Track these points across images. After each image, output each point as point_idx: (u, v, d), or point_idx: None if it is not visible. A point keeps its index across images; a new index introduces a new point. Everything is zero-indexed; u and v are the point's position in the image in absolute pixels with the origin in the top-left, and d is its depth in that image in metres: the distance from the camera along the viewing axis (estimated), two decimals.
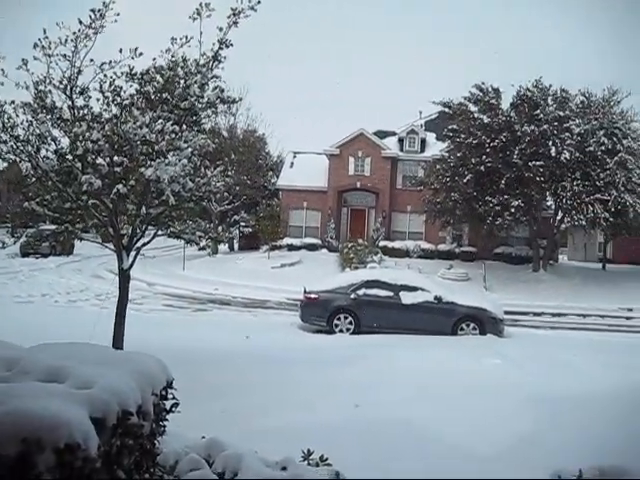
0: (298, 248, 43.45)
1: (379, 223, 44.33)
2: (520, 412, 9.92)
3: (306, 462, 4.62)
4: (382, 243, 42.48)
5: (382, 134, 47.55)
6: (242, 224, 49.75)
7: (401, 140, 46.63)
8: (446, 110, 39.18)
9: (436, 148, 42.76)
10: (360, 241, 39.02)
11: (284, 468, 4.40)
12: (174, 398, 4.14)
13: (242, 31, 12.24)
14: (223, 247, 48.68)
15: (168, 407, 4.12)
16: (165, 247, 43.61)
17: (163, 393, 3.99)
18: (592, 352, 17.02)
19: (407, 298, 19.63)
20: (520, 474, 6.44)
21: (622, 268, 42.26)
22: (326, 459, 4.59)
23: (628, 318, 26.16)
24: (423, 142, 46.35)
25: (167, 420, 4.12)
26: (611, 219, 34.71)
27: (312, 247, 43.69)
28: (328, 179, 45.63)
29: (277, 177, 49.84)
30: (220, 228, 16.41)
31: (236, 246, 51.12)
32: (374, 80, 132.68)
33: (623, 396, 11.16)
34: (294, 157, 49.72)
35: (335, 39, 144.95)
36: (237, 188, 45.71)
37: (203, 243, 14.07)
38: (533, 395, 10.98)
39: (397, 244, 42.77)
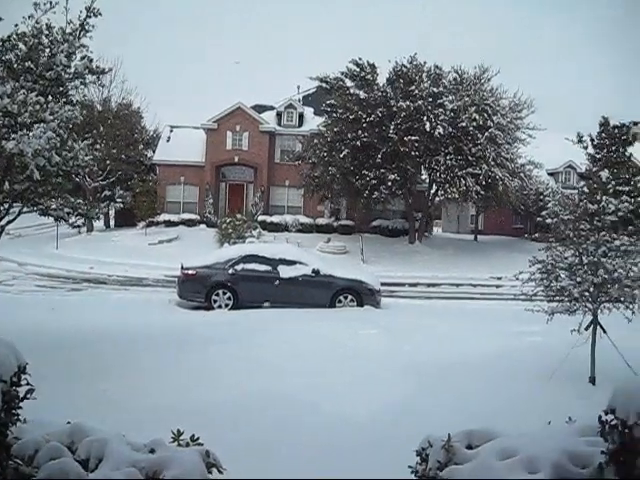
0: (176, 224, 42.64)
1: (258, 198, 44.15)
2: (395, 380, 10.14)
3: (176, 443, 4.49)
4: (261, 218, 42.34)
5: (260, 108, 47.23)
6: (119, 200, 48.24)
7: (279, 114, 46.44)
8: (323, 85, 39.28)
9: (314, 123, 42.90)
10: (239, 216, 38.72)
11: (152, 450, 4.25)
12: (28, 384, 3.91)
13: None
14: (99, 224, 47.28)
15: (22, 394, 3.88)
16: (37, 225, 41.96)
17: (14, 379, 3.76)
18: (464, 320, 17.63)
19: (285, 272, 19.64)
20: (394, 440, 6.56)
21: (492, 239, 43.98)
22: (197, 439, 4.47)
23: (498, 286, 27.14)
24: (301, 117, 46.34)
25: (20, 408, 3.89)
26: (482, 192, 36.08)
27: (190, 223, 42.99)
28: (206, 154, 44.91)
29: (154, 152, 48.57)
30: (90, 204, 15.81)
31: (112, 223, 49.69)
32: (252, 54, 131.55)
33: (493, 361, 11.63)
34: (171, 131, 48.53)
35: (211, 12, 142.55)
36: (110, 163, 44.35)
37: (72, 220, 13.52)
38: (408, 363, 11.27)
39: (276, 218, 42.73)
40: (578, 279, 10.59)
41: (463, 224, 53.32)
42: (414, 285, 27.69)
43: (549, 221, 11.68)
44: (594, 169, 10.22)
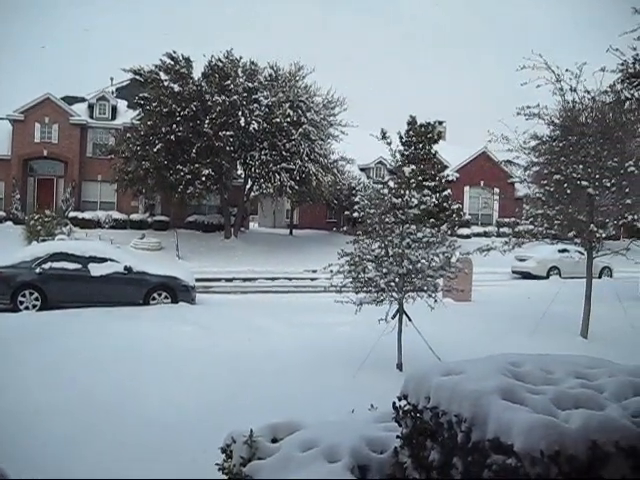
0: None
1: (68, 193, 42.31)
2: (206, 375, 10.07)
3: None
4: (72, 214, 40.63)
5: (71, 100, 45.20)
6: None
7: (91, 107, 44.73)
8: (137, 78, 38.30)
9: (128, 116, 41.84)
10: (48, 212, 36.89)
11: None
12: None
13: None
14: None
15: None
16: None
17: None
18: (280, 313, 17.84)
19: (96, 270, 18.90)
20: (202, 437, 6.49)
21: (307, 233, 44.90)
22: None
23: (313, 279, 27.69)
24: (114, 109, 44.91)
25: None
26: (296, 187, 36.74)
27: None
28: (12, 146, 42.42)
29: None
30: None
31: None
32: (62, 41, 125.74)
33: (304, 352, 11.86)
34: None
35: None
36: None
37: None
38: (219, 358, 11.23)
39: (88, 214, 41.19)
40: (384, 270, 11.01)
41: (279, 219, 53.97)
42: (230, 280, 27.69)
43: (356, 215, 12.02)
44: (399, 165, 10.78)
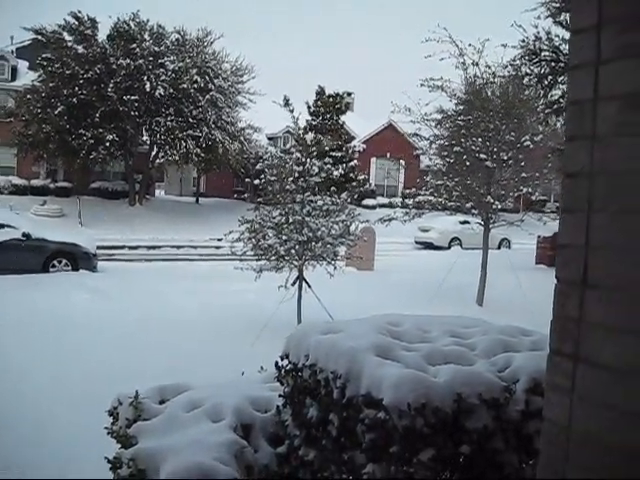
0: None
1: None
2: (97, 343, 9.94)
3: None
4: None
5: None
6: None
7: None
8: (39, 38, 36.86)
9: (29, 77, 40.08)
10: None
11: None
12: None
13: None
14: None
15: None
16: None
17: None
18: (183, 281, 17.75)
19: None
20: (86, 404, 6.41)
21: (214, 201, 44.47)
22: None
23: (218, 247, 27.56)
24: (14, 70, 43.10)
25: None
26: (202, 154, 36.34)
27: None
28: None
29: None
30: None
31: None
32: None
33: (205, 319, 11.86)
34: None
35: None
36: None
37: None
38: (115, 326, 11.10)
39: None
40: (284, 237, 11.08)
41: (185, 187, 53.22)
42: (134, 248, 27.27)
43: (257, 182, 12.00)
44: (300, 132, 10.79)
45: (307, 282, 11.52)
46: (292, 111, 11.47)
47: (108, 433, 4.43)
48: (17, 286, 15.63)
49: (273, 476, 3.56)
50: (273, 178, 11.40)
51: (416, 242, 33.82)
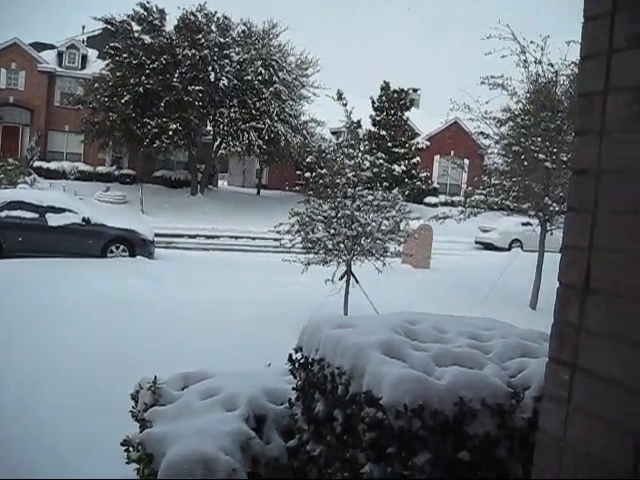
0: None
1: (34, 142, 41.67)
2: (151, 327, 10.07)
3: None
4: (37, 164, 40.06)
5: (40, 46, 44.27)
6: None
7: (60, 54, 43.94)
8: (109, 27, 37.59)
9: (98, 66, 41.00)
10: (10, 160, 36.32)
11: None
12: None
13: None
14: None
15: None
16: None
17: None
18: (238, 271, 17.89)
19: (54, 220, 18.71)
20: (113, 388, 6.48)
21: (275, 194, 44.66)
22: None
23: (276, 239, 27.65)
24: (84, 58, 44.20)
25: None
26: (264, 146, 36.52)
27: None
28: None
29: None
30: None
31: None
32: None
33: (251, 310, 11.89)
34: None
35: None
36: None
37: None
38: (163, 312, 11.23)
39: (54, 165, 40.65)
40: (332, 231, 11.02)
41: (248, 178, 53.63)
42: (193, 237, 27.61)
43: (307, 175, 11.96)
44: (351, 124, 10.52)
45: (355, 277, 11.45)
46: (345, 105, 11.40)
47: (132, 416, 4.48)
48: (75, 268, 16.01)
49: (282, 469, 3.53)
50: (324, 171, 11.36)
51: (476, 242, 33.39)
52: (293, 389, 3.64)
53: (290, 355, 3.71)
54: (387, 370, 2.73)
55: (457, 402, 2.61)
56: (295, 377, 3.64)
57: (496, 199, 15.58)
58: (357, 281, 11.43)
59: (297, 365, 3.61)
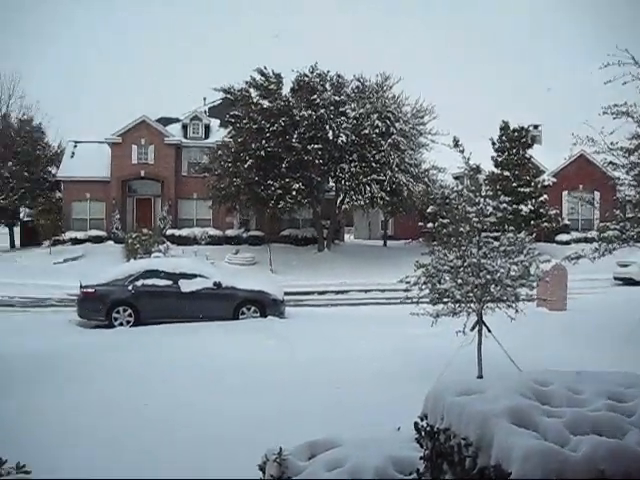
0: (82, 241, 41.73)
1: (165, 211, 43.55)
2: (281, 390, 10.07)
3: None
4: (170, 231, 41.81)
5: (165, 121, 46.60)
6: (26, 219, 46.94)
7: (185, 127, 46.05)
8: (228, 97, 39.06)
9: (220, 134, 42.63)
10: (145, 230, 38.06)
11: None
12: None
13: None
14: (3, 244, 45.95)
15: None
16: None
17: None
18: (368, 325, 17.75)
19: (186, 286, 19.32)
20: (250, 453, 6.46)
21: (401, 244, 44.43)
22: (23, 466, 4.23)
23: (405, 290, 27.39)
24: (207, 128, 46.07)
25: None
26: (387, 198, 36.55)
27: (97, 239, 42.14)
28: (111, 168, 44.07)
29: (57, 168, 47.20)
30: None
31: (18, 243, 48.10)
32: (156, 66, 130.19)
33: (382, 364, 11.69)
34: (75, 147, 47.34)
35: (108, 25, 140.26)
36: (12, 181, 43.22)
37: None
38: (298, 372, 11.23)
39: (185, 232, 42.26)
40: (459, 281, 10.74)
41: (374, 230, 53.78)
42: (322, 293, 27.74)
43: (430, 225, 11.78)
44: (470, 170, 10.23)
45: (487, 326, 11.08)
46: (462, 152, 11.21)
47: None
48: (207, 331, 16.49)
49: None
50: (446, 220, 11.15)
51: (615, 278, 31.78)
52: (421, 458, 3.46)
53: (416, 423, 3.54)
54: (516, 441, 2.52)
55: (597, 476, 2.36)
56: (421, 446, 3.46)
57: (632, 233, 14.80)
58: (489, 330, 11.06)
59: (423, 434, 3.44)
